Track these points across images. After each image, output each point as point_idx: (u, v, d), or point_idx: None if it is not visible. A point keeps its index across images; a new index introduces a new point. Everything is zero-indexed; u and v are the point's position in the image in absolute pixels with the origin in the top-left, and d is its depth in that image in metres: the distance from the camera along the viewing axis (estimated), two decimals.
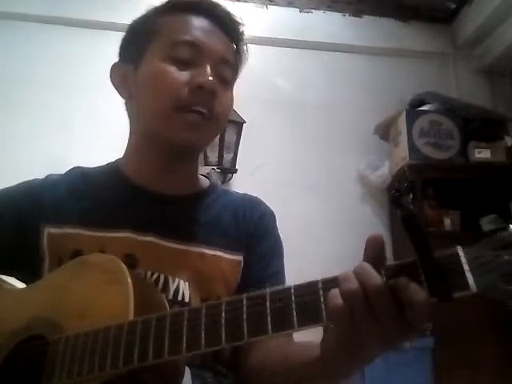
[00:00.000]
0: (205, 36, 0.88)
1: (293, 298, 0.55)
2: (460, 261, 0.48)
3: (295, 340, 0.85)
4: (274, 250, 0.96)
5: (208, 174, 2.39)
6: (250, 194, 1.04)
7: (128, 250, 0.84)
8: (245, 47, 0.98)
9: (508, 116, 2.89)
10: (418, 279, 0.49)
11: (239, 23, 0.96)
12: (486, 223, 2.68)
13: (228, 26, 0.93)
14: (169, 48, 0.86)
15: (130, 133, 0.95)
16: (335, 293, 0.52)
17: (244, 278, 0.90)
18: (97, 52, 2.78)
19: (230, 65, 0.92)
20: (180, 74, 0.85)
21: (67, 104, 2.73)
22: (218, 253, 0.89)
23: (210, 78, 0.84)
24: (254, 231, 0.94)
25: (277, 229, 1.00)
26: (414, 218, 0.48)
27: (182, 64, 0.86)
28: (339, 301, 0.51)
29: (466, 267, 0.47)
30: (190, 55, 0.86)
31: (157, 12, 0.93)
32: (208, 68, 0.86)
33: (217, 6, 0.93)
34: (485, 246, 0.47)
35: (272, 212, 1.01)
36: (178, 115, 0.84)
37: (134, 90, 0.90)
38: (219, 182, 2.46)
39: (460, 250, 0.48)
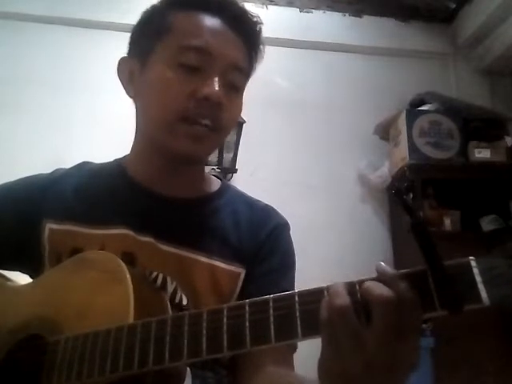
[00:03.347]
0: (216, 40, 0.83)
1: (297, 306, 0.53)
2: (472, 272, 0.47)
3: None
4: (283, 267, 0.90)
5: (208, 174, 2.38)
6: (263, 200, 0.98)
7: (126, 248, 0.83)
8: (261, 47, 0.91)
9: (508, 116, 2.89)
10: (428, 289, 0.48)
11: (256, 22, 0.89)
12: (486, 223, 2.68)
13: (243, 27, 0.87)
14: (177, 53, 0.82)
15: (136, 131, 0.92)
16: (323, 304, 0.52)
17: (248, 293, 0.84)
18: (97, 52, 2.78)
19: (241, 70, 0.87)
20: (186, 84, 0.81)
21: (67, 104, 2.72)
22: (215, 262, 0.85)
23: (217, 90, 0.80)
24: (260, 246, 0.89)
25: (289, 243, 0.94)
26: (423, 225, 0.48)
27: (190, 71, 0.81)
28: (325, 313, 0.51)
29: (478, 278, 0.46)
30: (199, 62, 0.81)
31: (167, 6, 0.87)
32: (215, 78, 0.81)
33: (231, 4, 0.87)
34: (497, 256, 0.46)
35: (285, 224, 0.95)
36: (182, 126, 0.81)
37: (139, 90, 0.87)
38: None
39: (472, 261, 0.47)
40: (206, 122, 0.81)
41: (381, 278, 0.51)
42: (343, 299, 0.51)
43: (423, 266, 0.49)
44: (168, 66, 0.82)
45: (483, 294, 0.45)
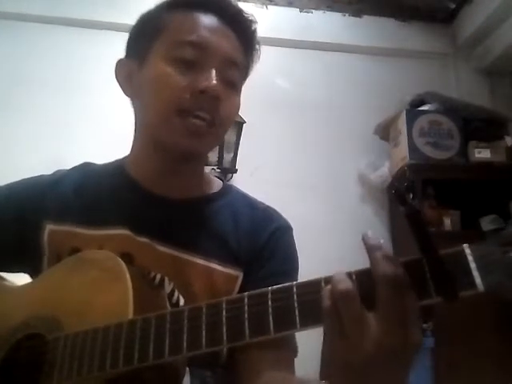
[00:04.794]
0: (212, 35, 0.83)
1: (295, 298, 0.54)
2: (466, 259, 0.47)
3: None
4: (285, 271, 0.87)
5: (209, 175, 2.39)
6: (263, 201, 0.97)
7: (124, 248, 0.82)
8: (257, 46, 0.92)
9: (508, 116, 2.89)
10: (424, 277, 0.49)
11: (251, 21, 0.90)
12: (486, 223, 2.68)
13: (238, 25, 0.88)
14: (173, 48, 0.82)
15: (135, 131, 0.92)
16: (325, 293, 0.52)
17: None
18: (97, 52, 2.79)
19: (237, 66, 0.86)
20: (182, 77, 0.81)
21: (67, 104, 2.73)
22: (212, 265, 0.84)
23: (214, 82, 0.80)
24: (261, 249, 0.87)
25: (291, 246, 0.92)
26: (418, 215, 0.48)
27: (186, 65, 0.81)
28: (328, 301, 0.51)
29: (472, 265, 0.46)
30: (195, 56, 0.82)
31: (164, 8, 0.88)
32: (213, 71, 0.81)
33: (227, 3, 0.88)
34: (492, 243, 0.47)
35: (287, 227, 0.93)
36: (179, 120, 0.80)
37: (137, 89, 0.87)
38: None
39: (466, 248, 0.48)
40: (203, 114, 0.81)
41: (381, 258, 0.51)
42: (347, 284, 0.51)
43: (419, 255, 0.49)
44: (164, 60, 0.83)
45: (477, 280, 0.46)
